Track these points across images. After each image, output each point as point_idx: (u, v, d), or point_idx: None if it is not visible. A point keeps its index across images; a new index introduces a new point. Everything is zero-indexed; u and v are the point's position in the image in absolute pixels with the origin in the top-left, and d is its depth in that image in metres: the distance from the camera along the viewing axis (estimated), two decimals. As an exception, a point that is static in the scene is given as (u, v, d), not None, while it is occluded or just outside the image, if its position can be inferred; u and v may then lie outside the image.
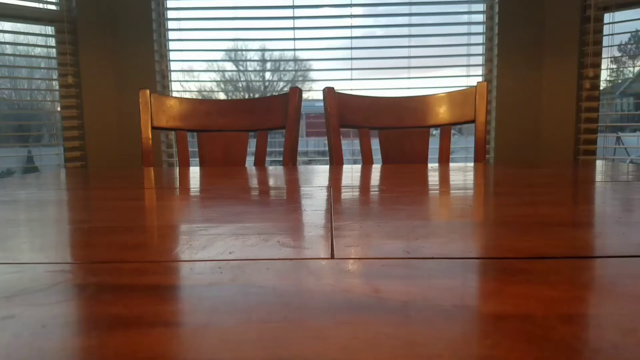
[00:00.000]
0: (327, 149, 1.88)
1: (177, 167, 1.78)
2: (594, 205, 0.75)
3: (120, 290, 0.37)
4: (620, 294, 0.35)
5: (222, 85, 3.09)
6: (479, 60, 2.82)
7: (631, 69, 2.93)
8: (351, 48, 2.83)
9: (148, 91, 1.85)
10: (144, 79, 2.73)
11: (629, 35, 2.68)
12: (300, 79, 3.06)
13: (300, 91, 1.86)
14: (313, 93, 2.94)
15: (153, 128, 1.85)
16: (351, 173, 1.39)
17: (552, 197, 0.84)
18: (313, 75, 3.00)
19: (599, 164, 1.68)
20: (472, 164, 1.74)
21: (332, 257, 0.46)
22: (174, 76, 2.88)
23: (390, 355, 0.26)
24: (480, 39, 2.81)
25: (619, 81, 2.99)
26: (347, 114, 1.85)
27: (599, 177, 1.18)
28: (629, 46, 2.83)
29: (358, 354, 0.26)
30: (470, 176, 1.24)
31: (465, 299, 0.35)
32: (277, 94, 2.74)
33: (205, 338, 0.28)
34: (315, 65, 2.93)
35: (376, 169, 1.49)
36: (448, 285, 0.38)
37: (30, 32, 2.67)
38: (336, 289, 0.37)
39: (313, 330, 0.29)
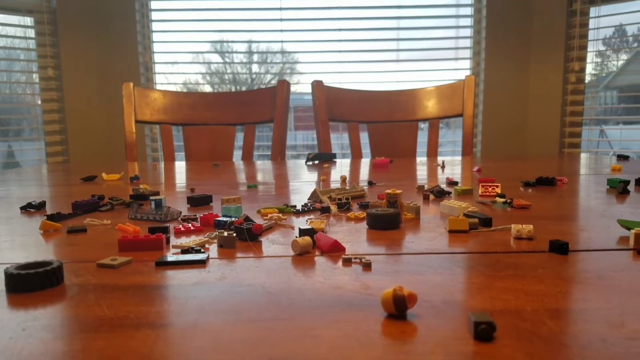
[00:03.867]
0: (315, 142, 1.88)
1: (162, 162, 1.76)
2: (579, 199, 0.76)
3: (103, 290, 0.36)
4: (607, 288, 0.36)
5: (208, 78, 3.06)
6: (467, 53, 2.82)
7: (615, 62, 2.96)
8: (340, 40, 2.81)
9: (131, 84, 1.82)
10: (127, 71, 2.69)
11: (613, 29, 2.70)
12: (288, 71, 3.04)
13: (288, 84, 1.84)
14: (301, 86, 2.93)
15: (137, 122, 1.83)
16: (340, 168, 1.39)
17: (540, 192, 0.84)
18: (301, 67, 2.98)
19: (584, 156, 1.69)
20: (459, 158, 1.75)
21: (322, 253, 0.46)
22: (158, 68, 2.84)
23: (381, 354, 0.26)
24: (468, 32, 2.81)
25: (604, 75, 3.02)
26: (336, 108, 1.85)
27: (583, 170, 1.19)
28: (613, 40, 2.86)
29: (349, 352, 0.26)
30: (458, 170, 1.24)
31: (455, 295, 0.35)
32: (264, 86, 2.73)
33: (193, 339, 0.28)
34: (303, 57, 2.91)
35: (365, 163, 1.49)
36: (437, 281, 0.38)
37: (9, 23, 2.60)
38: (326, 286, 0.36)
39: (303, 329, 0.29)
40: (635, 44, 2.81)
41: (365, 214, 0.60)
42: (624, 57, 2.93)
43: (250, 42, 2.91)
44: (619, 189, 0.79)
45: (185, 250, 0.46)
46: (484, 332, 0.27)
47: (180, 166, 1.52)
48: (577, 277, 0.38)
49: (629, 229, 0.50)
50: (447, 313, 0.32)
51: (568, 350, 0.26)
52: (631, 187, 0.84)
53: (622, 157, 1.41)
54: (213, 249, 0.47)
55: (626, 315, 0.30)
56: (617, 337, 0.27)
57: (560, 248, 0.45)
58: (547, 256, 0.44)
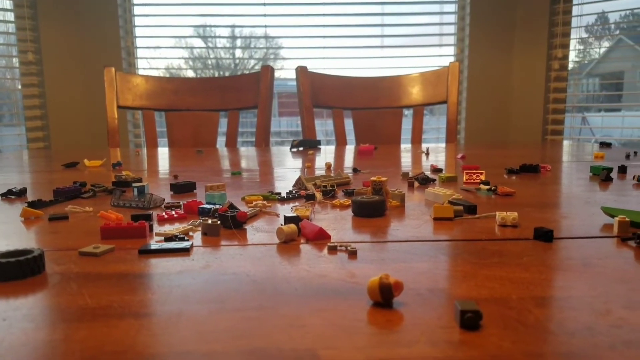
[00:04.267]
0: (299, 129, 1.87)
1: (145, 148, 1.74)
2: (562, 187, 0.77)
3: (85, 279, 0.36)
4: (591, 275, 0.36)
5: (191, 63, 3.01)
6: (451, 40, 2.82)
7: (597, 49, 2.99)
8: (324, 26, 2.79)
9: (113, 69, 1.79)
10: (109, 56, 2.64)
11: (595, 16, 2.72)
12: (272, 56, 3.00)
13: (272, 69, 1.83)
14: (285, 72, 2.90)
15: (119, 107, 1.80)
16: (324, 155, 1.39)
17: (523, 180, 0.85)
18: (285, 53, 2.95)
19: (566, 144, 1.71)
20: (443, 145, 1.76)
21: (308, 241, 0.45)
22: (140, 53, 2.78)
23: (367, 343, 0.26)
24: (452, 18, 2.81)
25: (586, 62, 3.05)
26: (320, 94, 1.83)
27: (565, 157, 1.21)
28: (595, 27, 2.88)
29: (335, 341, 0.26)
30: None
31: (441, 283, 0.35)
32: (248, 72, 2.69)
33: (178, 329, 0.27)
34: (287, 42, 2.88)
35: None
36: (422, 269, 0.38)
37: (-14, 5, 2.53)
38: (312, 275, 0.36)
39: (289, 318, 0.29)
40: (617, 31, 2.83)
41: (350, 202, 0.60)
42: (606, 44, 2.96)
43: (233, 26, 2.87)
44: (601, 176, 0.80)
45: (169, 238, 0.45)
46: (470, 321, 0.27)
47: (163, 152, 1.50)
48: (562, 265, 0.38)
49: (612, 216, 0.50)
50: (433, 301, 0.32)
51: (554, 338, 0.26)
52: (614, 174, 0.86)
53: (604, 145, 1.43)
54: (197, 237, 0.47)
55: (611, 303, 0.31)
56: (602, 325, 0.27)
57: (545, 235, 0.45)
58: (532, 243, 0.44)
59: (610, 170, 0.80)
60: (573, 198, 0.66)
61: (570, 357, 0.24)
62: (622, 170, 0.87)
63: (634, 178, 0.79)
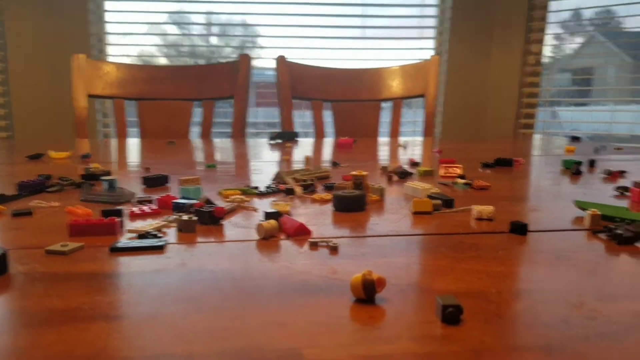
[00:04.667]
0: (277, 120, 1.85)
1: (115, 139, 1.70)
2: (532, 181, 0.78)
3: (53, 279, 0.34)
4: (565, 268, 0.36)
5: (165, 50, 2.95)
6: (431, 33, 2.83)
7: (571, 45, 3.04)
8: (303, 15, 2.76)
9: (82, 56, 1.73)
10: (78, 42, 2.55)
11: (571, 12, 2.77)
12: (249, 45, 2.96)
13: (250, 58, 1.80)
14: (263, 61, 2.86)
15: (88, 96, 1.75)
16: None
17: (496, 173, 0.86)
18: (263, 41, 2.91)
19: (537, 137, 1.74)
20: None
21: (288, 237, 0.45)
22: (111, 39, 2.71)
23: (350, 340, 0.25)
24: (433, 11, 2.81)
25: (559, 57, 3.11)
26: (299, 85, 1.82)
27: (536, 151, 1.23)
28: (570, 23, 2.93)
29: (317, 339, 0.25)
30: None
31: (421, 277, 0.35)
32: (224, 60, 2.65)
33: (153, 331, 0.26)
34: (265, 31, 2.84)
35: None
36: (403, 264, 0.38)
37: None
38: (293, 271, 0.36)
39: (270, 317, 0.28)
40: (591, 28, 2.89)
41: (330, 196, 0.60)
42: (579, 40, 3.02)
43: (209, 13, 2.82)
44: (572, 169, 0.81)
45: (142, 235, 0.43)
46: (451, 315, 0.27)
47: (133, 144, 1.47)
48: (536, 258, 0.39)
49: (584, 209, 0.51)
50: (414, 296, 0.31)
51: (533, 331, 0.26)
52: (584, 168, 0.87)
53: (575, 139, 1.46)
54: (172, 233, 0.45)
55: (584, 296, 0.31)
56: (577, 318, 0.28)
57: (520, 229, 0.46)
58: (507, 237, 0.45)
59: (580, 163, 0.81)
60: (546, 191, 0.67)
61: (548, 350, 0.24)
62: (592, 164, 0.88)
63: (603, 172, 0.81)
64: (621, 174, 0.79)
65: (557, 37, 2.79)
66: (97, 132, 2.66)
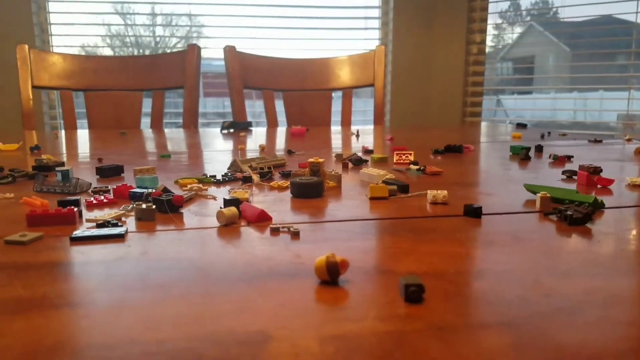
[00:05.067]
0: (227, 110, 1.83)
1: (63, 130, 1.63)
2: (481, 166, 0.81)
3: (15, 269, 0.33)
4: (520, 248, 0.38)
5: (108, 41, 2.84)
6: (376, 23, 2.86)
7: (510, 35, 3.17)
8: (249, 5, 2.72)
9: (27, 46, 1.65)
10: (21, 32, 2.42)
11: (509, 2, 2.88)
12: (195, 35, 2.89)
13: (199, 48, 1.77)
14: (209, 51, 2.80)
15: (34, 87, 1.67)
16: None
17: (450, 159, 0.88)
18: (208, 32, 2.85)
19: (484, 125, 1.81)
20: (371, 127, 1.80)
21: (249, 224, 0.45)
22: (54, 30, 2.58)
23: (318, 320, 0.26)
24: (377, 1, 2.85)
25: (500, 47, 3.22)
26: (249, 75, 1.80)
27: (484, 138, 1.27)
28: (508, 13, 3.05)
29: (286, 322, 0.26)
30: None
31: (382, 259, 0.36)
32: (169, 50, 2.58)
33: (121, 318, 0.26)
34: (210, 21, 2.79)
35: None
36: (364, 247, 0.39)
37: None
38: (257, 258, 0.36)
39: (238, 303, 0.28)
40: (528, 18, 3.01)
41: (288, 183, 0.60)
42: (518, 30, 3.14)
43: (154, 2, 2.73)
44: (521, 155, 0.85)
45: (101, 224, 0.43)
46: (414, 294, 0.29)
47: (83, 135, 1.41)
48: (492, 240, 0.41)
49: (534, 192, 0.54)
50: (377, 277, 0.32)
51: (493, 309, 0.28)
52: (532, 153, 0.91)
53: (520, 126, 1.53)
54: (130, 222, 0.45)
55: (541, 274, 0.33)
56: (535, 295, 0.29)
57: (474, 212, 0.48)
58: (462, 220, 0.47)
59: (528, 149, 0.85)
60: (496, 176, 0.70)
61: (509, 326, 0.25)
62: (539, 149, 0.93)
63: (550, 157, 0.85)
64: (568, 158, 0.83)
65: (497, 27, 2.89)
66: (44, 124, 2.54)
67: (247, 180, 0.63)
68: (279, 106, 1.84)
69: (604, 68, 2.63)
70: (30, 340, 0.24)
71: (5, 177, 0.64)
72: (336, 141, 1.20)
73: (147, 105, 1.79)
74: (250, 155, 0.93)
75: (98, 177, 0.68)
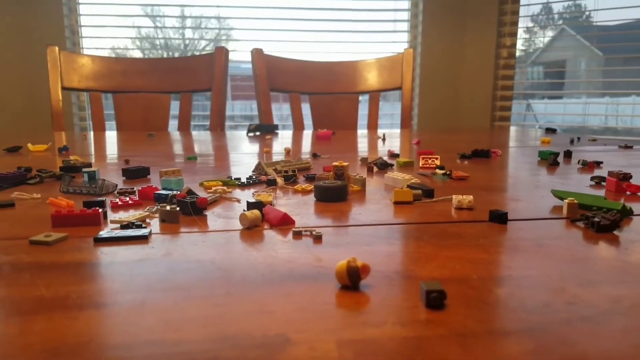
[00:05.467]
0: (254, 113, 1.84)
1: (92, 132, 1.67)
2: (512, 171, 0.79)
3: (39, 269, 0.34)
4: (545, 255, 0.37)
5: (138, 43, 2.90)
6: (405, 26, 2.85)
7: (542, 39, 3.10)
8: (278, 7, 2.75)
9: (57, 48, 1.70)
10: (52, 34, 2.49)
11: (541, 6, 2.82)
12: (224, 37, 2.93)
13: (226, 51, 1.79)
14: (238, 54, 2.84)
15: (63, 89, 1.72)
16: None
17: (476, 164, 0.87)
18: (237, 34, 2.88)
19: (513, 129, 1.78)
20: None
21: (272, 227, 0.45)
22: (85, 32, 2.65)
23: (337, 325, 0.26)
24: (406, 4, 2.83)
25: (531, 50, 3.16)
26: (276, 78, 1.81)
27: (512, 142, 1.25)
28: (540, 17, 2.99)
29: (305, 325, 0.26)
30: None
31: (404, 264, 0.35)
32: (198, 53, 2.61)
33: (143, 318, 0.26)
34: (239, 24, 2.82)
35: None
36: (386, 252, 0.38)
37: None
38: (278, 260, 0.36)
39: (258, 304, 0.28)
40: (560, 21, 2.94)
41: (312, 187, 0.60)
42: (549, 34, 3.07)
43: (183, 5, 2.78)
44: (549, 160, 0.83)
45: (125, 226, 0.43)
46: (435, 300, 0.28)
47: (111, 136, 1.44)
48: (517, 245, 0.40)
49: (562, 198, 0.53)
50: (398, 282, 0.32)
51: (515, 315, 0.27)
52: (560, 158, 0.89)
53: (550, 130, 1.49)
54: (154, 224, 0.45)
55: (565, 282, 0.32)
56: (559, 303, 0.29)
57: (500, 217, 0.47)
58: (487, 225, 0.46)
59: (557, 154, 0.84)
60: (523, 181, 0.69)
61: (531, 334, 0.25)
62: (568, 155, 0.91)
63: (578, 162, 0.83)
64: (597, 164, 0.81)
65: (528, 30, 2.84)
66: (73, 125, 2.61)
67: (271, 183, 0.64)
68: (306, 109, 1.85)
69: (636, 73, 2.55)
70: (52, 339, 0.24)
71: (33, 178, 0.66)
72: (362, 145, 1.19)
73: (174, 107, 1.82)
74: (275, 158, 0.93)
75: (124, 178, 0.69)
